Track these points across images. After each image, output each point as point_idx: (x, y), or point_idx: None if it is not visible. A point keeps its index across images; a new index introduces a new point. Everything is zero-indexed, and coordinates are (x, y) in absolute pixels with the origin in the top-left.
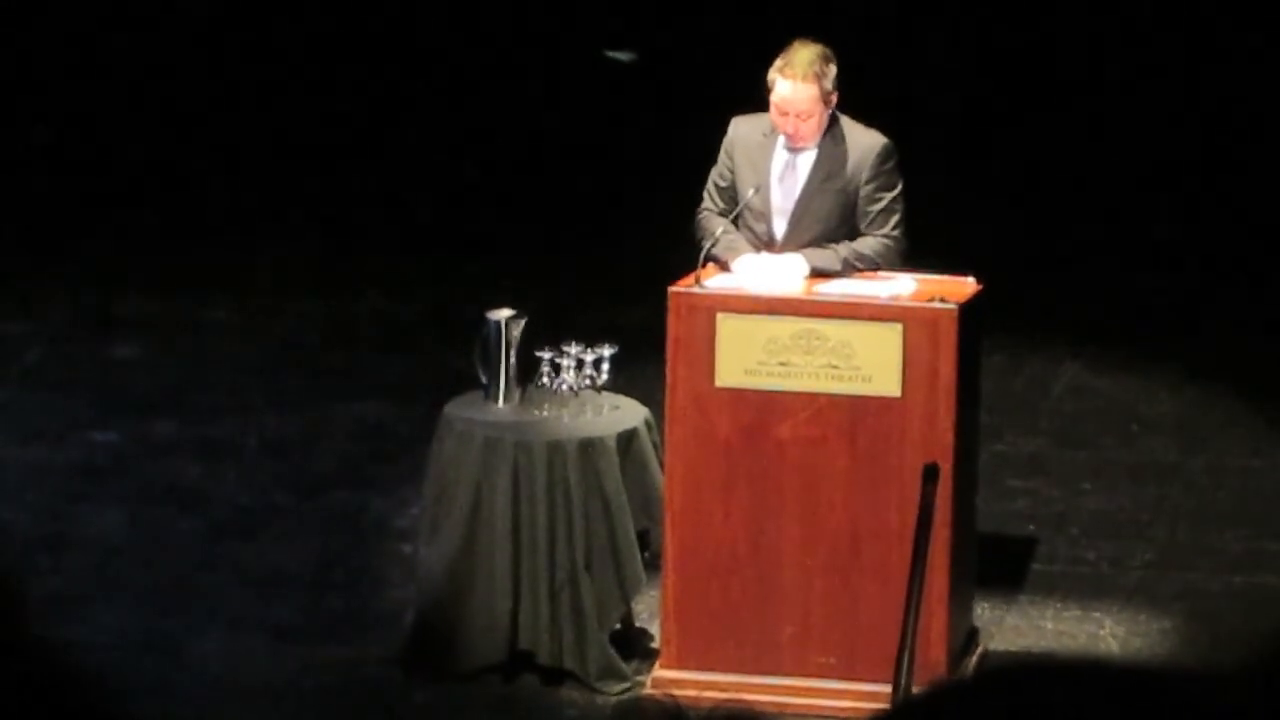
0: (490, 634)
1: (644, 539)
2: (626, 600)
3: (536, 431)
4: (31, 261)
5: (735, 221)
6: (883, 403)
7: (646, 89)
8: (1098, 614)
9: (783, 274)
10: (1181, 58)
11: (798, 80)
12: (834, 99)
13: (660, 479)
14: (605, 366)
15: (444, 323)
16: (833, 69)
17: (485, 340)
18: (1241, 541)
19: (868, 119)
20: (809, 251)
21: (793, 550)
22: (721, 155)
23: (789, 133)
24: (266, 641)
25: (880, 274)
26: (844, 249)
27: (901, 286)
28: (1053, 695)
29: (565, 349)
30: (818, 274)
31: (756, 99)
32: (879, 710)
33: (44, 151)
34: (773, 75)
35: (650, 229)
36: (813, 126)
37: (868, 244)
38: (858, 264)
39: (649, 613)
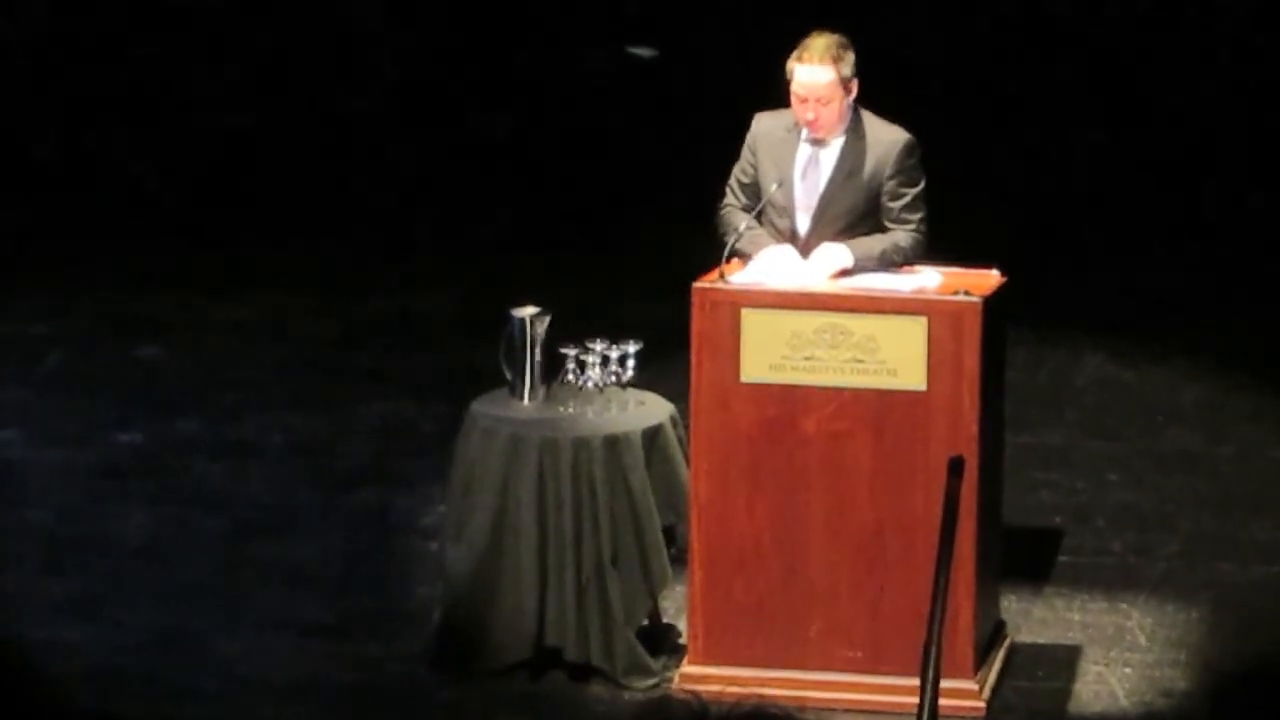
0: (517, 631)
1: (670, 535)
2: (653, 596)
3: (562, 428)
4: (54, 263)
5: (758, 217)
6: (908, 396)
7: (671, 85)
8: (1124, 605)
9: (807, 267)
10: (1204, 49)
11: (815, 64)
12: (854, 87)
13: (686, 474)
14: (630, 363)
15: (469, 320)
16: (850, 56)
17: (510, 337)
18: (1267, 531)
19: (890, 113)
20: (852, 242)
21: (819, 545)
22: (744, 151)
23: (810, 120)
24: (292, 640)
25: (904, 268)
26: (883, 240)
27: (926, 280)
28: None
29: (590, 345)
30: (849, 269)
31: (778, 94)
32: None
33: (66, 153)
34: (791, 64)
35: (674, 225)
36: (833, 113)
37: (901, 236)
38: (895, 256)
39: (675, 608)
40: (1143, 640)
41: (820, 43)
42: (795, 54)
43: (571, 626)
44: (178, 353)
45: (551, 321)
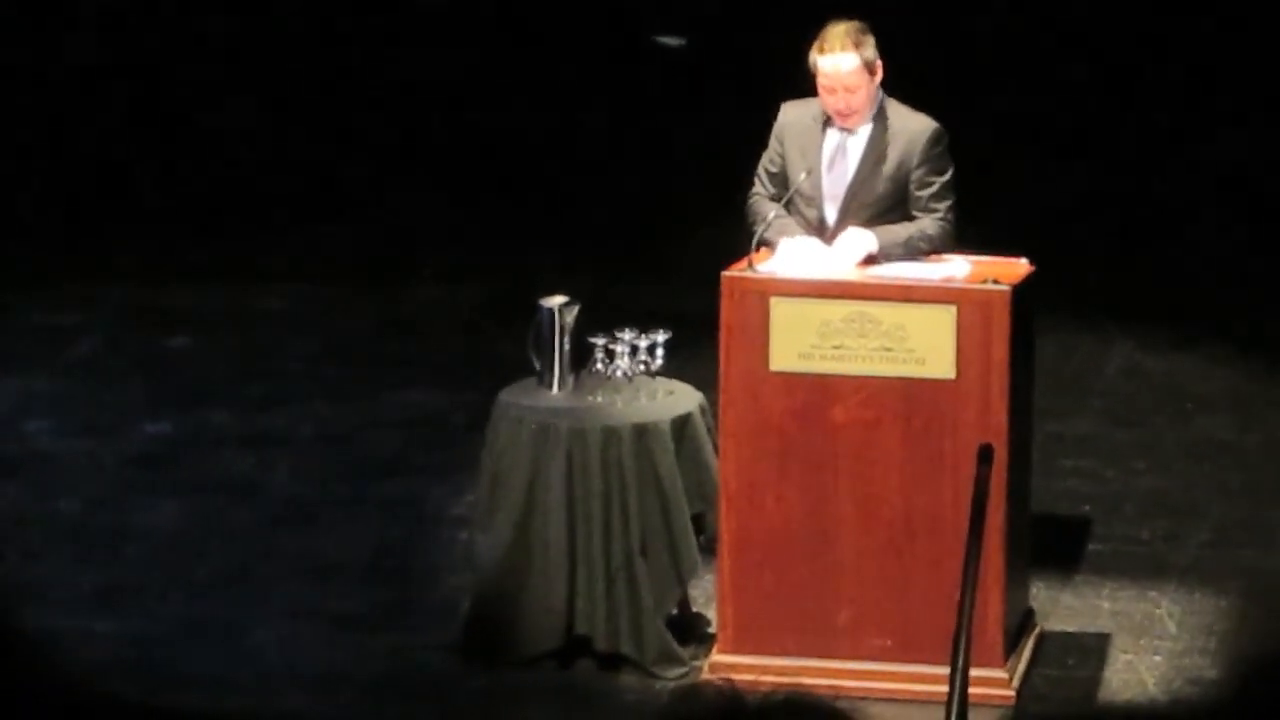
0: (546, 620)
1: (699, 523)
2: (682, 585)
3: (591, 417)
4: (84, 253)
5: (786, 206)
6: (936, 385)
7: (698, 74)
8: (1153, 593)
9: (835, 254)
10: (1231, 39)
11: (837, 51)
12: (879, 69)
13: (715, 463)
14: (659, 352)
15: (498, 310)
16: (870, 39)
17: (539, 327)
18: None
19: (917, 99)
20: (878, 228)
21: (848, 533)
22: (771, 141)
23: (840, 109)
24: (323, 630)
25: (931, 255)
26: (909, 228)
27: (955, 268)
28: None
29: (619, 335)
30: (874, 257)
31: (805, 84)
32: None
33: (95, 145)
34: (813, 57)
35: (703, 214)
36: (862, 99)
37: (928, 224)
38: (921, 244)
39: (705, 597)
40: (1172, 628)
41: (838, 30)
42: (815, 46)
43: (601, 616)
44: (207, 343)
45: (580, 311)
